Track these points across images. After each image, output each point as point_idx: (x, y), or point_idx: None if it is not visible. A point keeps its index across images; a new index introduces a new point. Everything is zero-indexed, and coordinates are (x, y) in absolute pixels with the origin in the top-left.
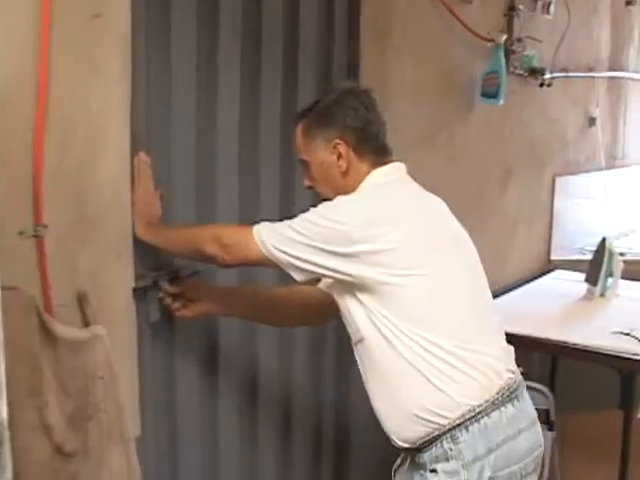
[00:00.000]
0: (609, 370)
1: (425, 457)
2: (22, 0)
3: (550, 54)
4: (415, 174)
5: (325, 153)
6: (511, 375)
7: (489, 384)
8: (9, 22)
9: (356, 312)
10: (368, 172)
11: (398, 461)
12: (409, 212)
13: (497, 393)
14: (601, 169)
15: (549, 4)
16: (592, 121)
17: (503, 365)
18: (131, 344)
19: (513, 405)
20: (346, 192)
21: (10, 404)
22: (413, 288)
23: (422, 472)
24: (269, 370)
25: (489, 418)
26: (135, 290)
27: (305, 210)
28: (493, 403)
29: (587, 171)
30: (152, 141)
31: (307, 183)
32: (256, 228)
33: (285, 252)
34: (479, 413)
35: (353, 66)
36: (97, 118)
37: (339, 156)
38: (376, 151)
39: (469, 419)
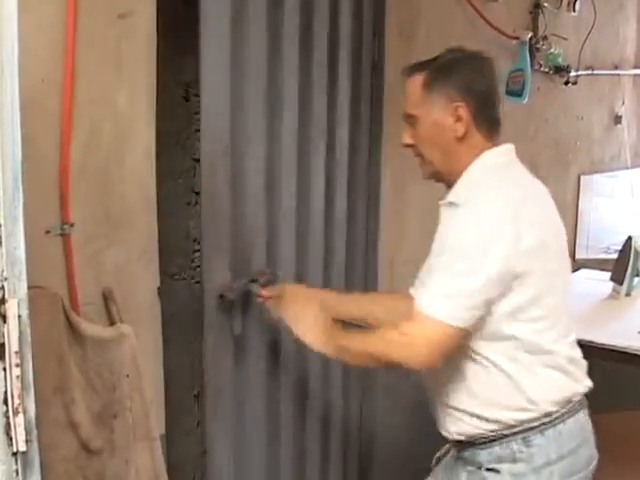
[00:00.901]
0: (635, 370)
1: (482, 454)
2: (49, 0)
3: (575, 52)
4: None
5: (443, 113)
6: (587, 383)
7: (571, 390)
8: (36, 21)
9: None
10: (482, 147)
11: (442, 451)
12: (538, 215)
13: (576, 401)
14: (627, 167)
15: (575, 1)
16: (618, 119)
17: (584, 375)
18: (156, 342)
19: (584, 413)
20: (456, 160)
21: (37, 401)
22: (528, 287)
23: (473, 469)
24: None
25: (564, 424)
26: (223, 301)
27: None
28: (570, 410)
29: (612, 170)
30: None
31: (407, 141)
32: (426, 311)
33: (466, 306)
34: (557, 418)
35: (378, 65)
36: (123, 116)
37: (457, 119)
38: (492, 122)
39: (546, 423)
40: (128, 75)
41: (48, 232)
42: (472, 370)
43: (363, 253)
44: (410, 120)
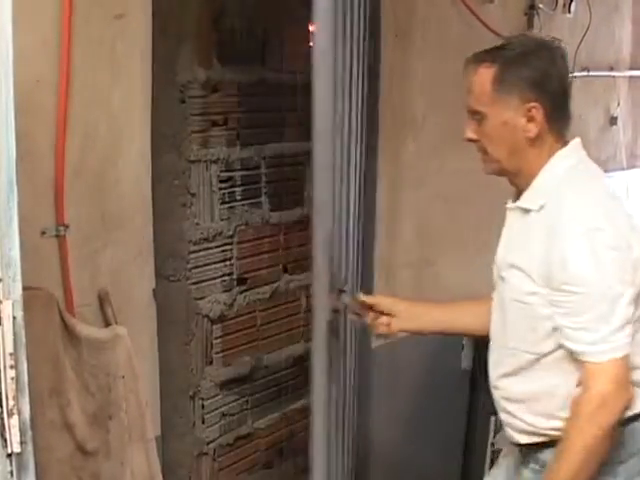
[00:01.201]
0: None
1: (547, 453)
2: (45, 1)
3: (571, 53)
4: (437, 174)
5: (514, 114)
6: None
7: None
8: (32, 23)
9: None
10: (553, 148)
11: (503, 452)
12: (629, 218)
13: None
14: (622, 168)
15: (570, 3)
16: (613, 120)
17: None
18: (151, 344)
19: None
20: (525, 160)
21: (32, 403)
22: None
23: (537, 467)
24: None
25: (636, 422)
26: (335, 317)
27: None
28: None
29: (608, 170)
30: None
31: (470, 135)
32: (597, 359)
33: (623, 332)
34: (626, 419)
35: (374, 69)
36: (118, 118)
37: (530, 119)
38: (564, 123)
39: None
40: (124, 76)
41: (44, 233)
42: (552, 380)
43: (360, 257)
44: (476, 116)
